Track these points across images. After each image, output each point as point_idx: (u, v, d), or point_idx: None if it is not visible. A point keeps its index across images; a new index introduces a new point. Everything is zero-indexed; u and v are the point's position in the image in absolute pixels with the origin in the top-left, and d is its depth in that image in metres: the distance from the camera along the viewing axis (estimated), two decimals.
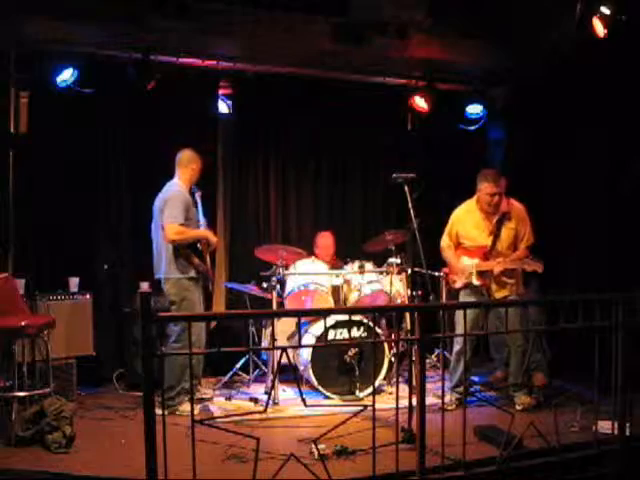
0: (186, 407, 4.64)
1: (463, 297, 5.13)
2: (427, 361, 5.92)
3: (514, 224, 4.94)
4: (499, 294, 4.96)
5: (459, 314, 4.79)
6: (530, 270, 4.84)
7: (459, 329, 4.74)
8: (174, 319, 4.67)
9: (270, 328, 5.05)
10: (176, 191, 4.94)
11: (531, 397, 4.90)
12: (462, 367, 4.91)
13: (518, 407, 4.80)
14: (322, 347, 5.26)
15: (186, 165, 5.07)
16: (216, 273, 6.48)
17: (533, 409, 4.80)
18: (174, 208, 4.81)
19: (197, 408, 4.89)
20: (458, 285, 5.12)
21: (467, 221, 5.07)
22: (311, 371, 5.20)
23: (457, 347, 5.06)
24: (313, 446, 3.68)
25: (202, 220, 5.14)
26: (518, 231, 4.94)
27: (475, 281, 4.94)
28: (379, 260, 5.94)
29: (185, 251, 4.87)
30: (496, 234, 4.95)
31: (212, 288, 5.24)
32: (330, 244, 6.22)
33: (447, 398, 4.65)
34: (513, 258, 4.89)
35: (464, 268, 4.99)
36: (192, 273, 4.90)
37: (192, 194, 5.09)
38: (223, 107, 6.46)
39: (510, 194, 5.47)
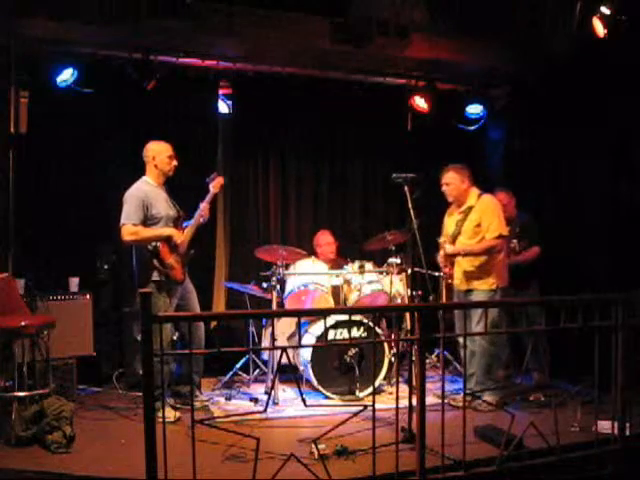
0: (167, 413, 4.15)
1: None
2: (427, 361, 5.93)
3: (476, 216, 4.99)
4: (462, 287, 5.05)
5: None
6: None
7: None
8: (174, 319, 4.66)
9: (270, 328, 5.05)
10: (134, 188, 4.72)
11: (494, 396, 4.90)
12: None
13: (485, 408, 4.75)
14: (322, 347, 5.26)
15: (147, 160, 4.85)
16: (216, 273, 6.51)
17: (532, 409, 4.80)
18: (128, 207, 4.63)
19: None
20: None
21: (449, 214, 5.26)
22: (311, 371, 5.20)
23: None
24: (313, 446, 3.68)
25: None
26: (481, 223, 4.96)
27: (439, 257, 5.10)
28: (379, 260, 5.94)
29: (146, 253, 4.64)
30: (461, 225, 5.05)
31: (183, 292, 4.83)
32: (332, 240, 6.24)
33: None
34: (473, 245, 4.96)
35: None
36: (154, 276, 4.65)
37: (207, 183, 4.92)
38: (223, 107, 6.46)
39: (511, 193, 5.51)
